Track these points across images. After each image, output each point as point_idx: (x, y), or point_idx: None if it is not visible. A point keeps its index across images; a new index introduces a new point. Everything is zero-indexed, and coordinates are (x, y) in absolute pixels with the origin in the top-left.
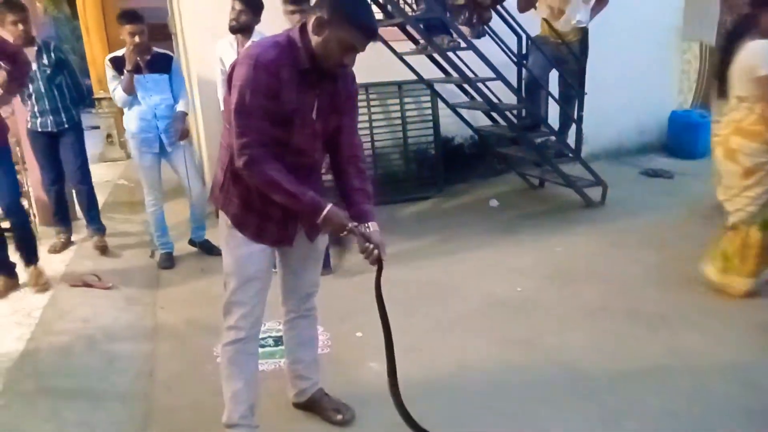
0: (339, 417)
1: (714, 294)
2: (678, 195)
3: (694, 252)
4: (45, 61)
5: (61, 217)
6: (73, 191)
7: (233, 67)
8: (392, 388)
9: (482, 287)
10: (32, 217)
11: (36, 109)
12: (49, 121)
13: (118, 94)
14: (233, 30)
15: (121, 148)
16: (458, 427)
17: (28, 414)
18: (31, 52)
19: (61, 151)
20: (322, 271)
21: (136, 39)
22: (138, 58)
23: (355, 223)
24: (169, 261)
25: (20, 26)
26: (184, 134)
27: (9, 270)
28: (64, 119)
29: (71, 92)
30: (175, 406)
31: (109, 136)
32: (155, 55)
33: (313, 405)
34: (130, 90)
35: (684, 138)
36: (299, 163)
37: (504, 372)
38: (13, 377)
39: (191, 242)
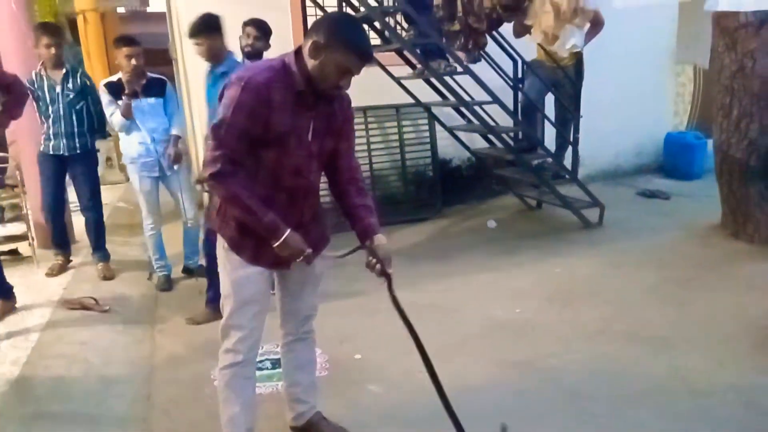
0: None
1: (715, 316)
2: (675, 216)
3: (692, 272)
4: (70, 85)
5: (60, 240)
6: (83, 217)
7: (224, 89)
8: (438, 390)
9: (481, 309)
10: (30, 241)
11: (51, 131)
12: (62, 145)
13: (116, 119)
14: (249, 56)
15: (120, 171)
16: None
17: None
18: (58, 75)
19: (73, 177)
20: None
21: (133, 62)
22: (136, 85)
23: (310, 250)
24: (167, 283)
25: (53, 50)
26: (178, 158)
27: (5, 293)
28: (78, 145)
29: (90, 119)
30: (172, 430)
31: (108, 159)
32: (150, 79)
33: (311, 429)
34: (128, 114)
35: (680, 159)
36: (296, 185)
37: (504, 395)
38: (9, 401)
39: (185, 270)
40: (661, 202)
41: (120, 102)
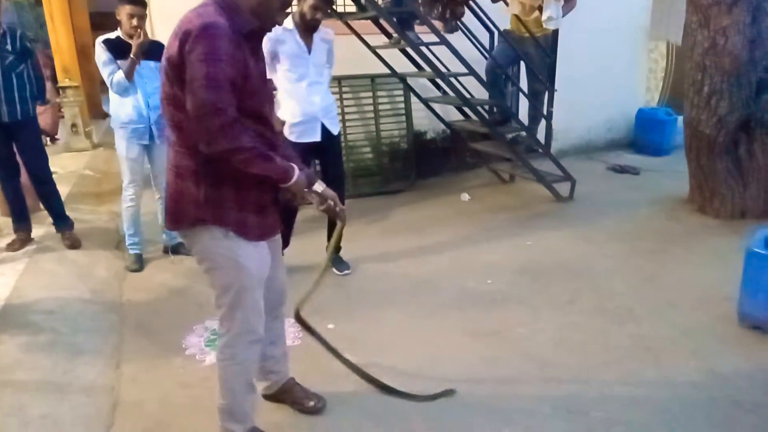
0: (311, 404)
1: (680, 288)
2: (644, 190)
3: (659, 245)
4: (8, 47)
5: (19, 214)
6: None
7: (182, 44)
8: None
9: (454, 280)
10: None
11: None
12: (2, 112)
13: (117, 79)
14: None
15: (86, 137)
16: (429, 418)
17: None
18: None
19: (18, 148)
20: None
21: (134, 22)
22: (143, 44)
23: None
24: (138, 263)
25: None
26: None
27: None
28: (19, 111)
29: (31, 84)
30: (142, 399)
31: (73, 125)
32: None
33: (284, 395)
34: (131, 76)
35: (650, 135)
36: (265, 125)
37: (475, 363)
38: None
39: (166, 250)
40: (631, 177)
41: (120, 62)
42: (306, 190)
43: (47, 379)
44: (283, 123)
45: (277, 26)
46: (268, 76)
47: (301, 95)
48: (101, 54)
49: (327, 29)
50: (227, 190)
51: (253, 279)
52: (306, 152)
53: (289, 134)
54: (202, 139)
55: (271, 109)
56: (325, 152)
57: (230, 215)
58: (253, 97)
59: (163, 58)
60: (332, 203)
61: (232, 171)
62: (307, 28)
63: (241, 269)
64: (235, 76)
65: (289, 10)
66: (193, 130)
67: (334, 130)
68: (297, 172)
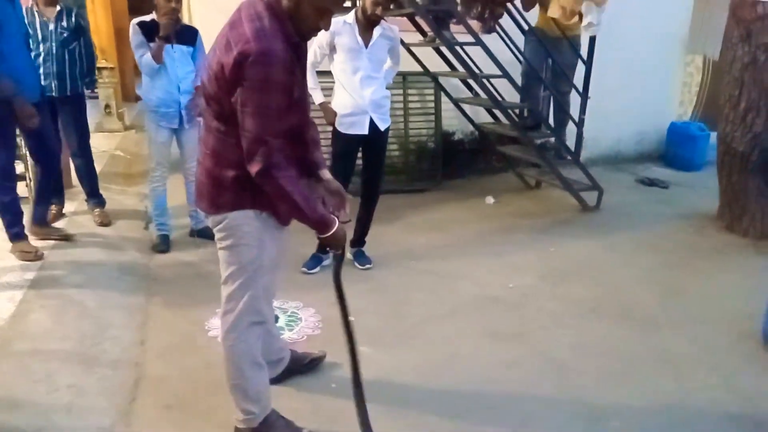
0: (316, 354)
1: (704, 303)
2: (672, 204)
3: (684, 260)
4: (64, 23)
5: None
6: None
7: (239, 63)
8: (356, 389)
9: (475, 282)
10: (27, 182)
11: (42, 70)
12: (52, 85)
13: (147, 61)
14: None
15: (119, 119)
16: (446, 416)
17: (21, 374)
18: (51, 12)
19: (62, 121)
20: None
21: (172, 4)
22: (171, 26)
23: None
24: (164, 244)
25: None
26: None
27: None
28: (68, 87)
29: (82, 62)
30: (165, 375)
31: (107, 106)
32: (182, 26)
33: (292, 365)
34: (159, 58)
35: (681, 149)
36: (302, 136)
37: (493, 365)
38: (5, 337)
39: (192, 233)
40: (660, 191)
41: (152, 44)
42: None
43: (75, 351)
44: (335, 114)
45: (336, 19)
46: (329, 67)
47: (353, 88)
48: (134, 36)
49: (391, 26)
50: None
51: (271, 261)
52: (353, 144)
53: (339, 125)
54: (245, 157)
55: (308, 123)
56: (370, 146)
57: (267, 200)
58: (297, 111)
59: (215, 61)
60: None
61: None
62: (368, 23)
63: (264, 249)
64: (285, 103)
65: (348, 4)
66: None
67: (382, 125)
68: (335, 226)
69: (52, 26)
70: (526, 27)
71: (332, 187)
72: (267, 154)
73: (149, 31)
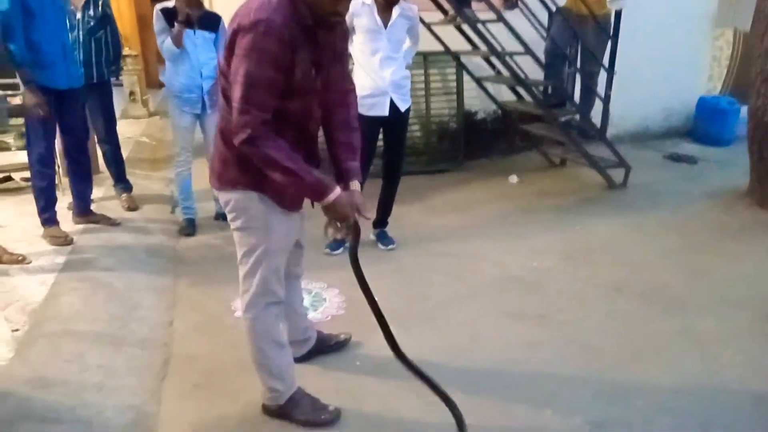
0: (342, 336)
1: (731, 283)
2: (701, 182)
3: (712, 239)
4: (91, 12)
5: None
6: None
7: (235, 33)
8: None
9: (497, 262)
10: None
11: None
12: (78, 74)
13: (167, 46)
14: None
15: (143, 105)
16: (467, 396)
17: (53, 354)
18: (79, 1)
19: (89, 107)
20: None
21: None
22: (189, 11)
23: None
24: (190, 228)
25: None
26: None
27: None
28: (95, 74)
29: (108, 50)
30: (193, 355)
31: (131, 93)
32: (205, 12)
33: (318, 345)
34: (179, 43)
35: (711, 124)
36: (310, 126)
37: (515, 345)
38: (37, 318)
39: (217, 216)
40: (688, 167)
41: (173, 30)
42: (351, 219)
43: (105, 332)
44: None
45: (355, 0)
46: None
47: (373, 69)
48: (157, 21)
49: (411, 5)
50: None
51: (280, 244)
52: (374, 126)
53: (359, 107)
54: (233, 129)
55: (314, 103)
56: (391, 127)
57: (269, 184)
58: (300, 96)
59: (228, 33)
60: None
61: None
62: (387, 3)
63: (270, 233)
64: (277, 78)
65: None
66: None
67: (402, 106)
68: (335, 193)
69: (79, 15)
70: (550, 3)
71: (354, 199)
72: (251, 125)
73: (172, 17)
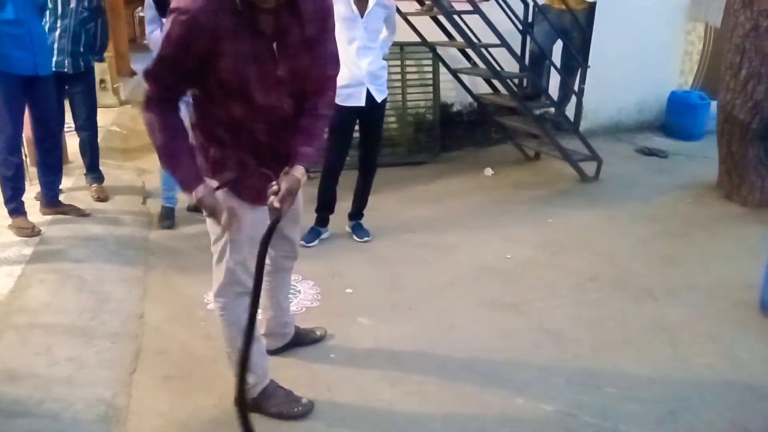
0: (318, 333)
1: (701, 272)
2: (671, 174)
3: (682, 229)
4: (85, 3)
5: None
6: (77, 138)
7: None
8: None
9: (473, 253)
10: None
11: (56, 45)
12: (66, 62)
13: (155, 37)
14: None
15: (114, 94)
16: (443, 386)
17: (21, 347)
18: None
19: (71, 96)
20: None
21: None
22: None
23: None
24: (170, 219)
25: None
26: None
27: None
28: (82, 64)
29: (96, 41)
30: (164, 348)
31: (102, 81)
32: None
33: (294, 342)
34: None
35: (682, 119)
36: (272, 117)
37: (490, 335)
38: (4, 311)
39: (190, 207)
40: (659, 161)
41: (164, 20)
42: (221, 212)
43: (74, 324)
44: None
45: None
46: None
47: (349, 59)
48: (148, 10)
49: None
50: (215, 147)
51: (243, 235)
52: (350, 116)
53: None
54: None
55: (278, 93)
56: (367, 118)
57: (226, 173)
58: (237, 76)
59: None
60: (275, 189)
61: (212, 130)
62: None
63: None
64: (184, 63)
65: None
66: None
67: (379, 97)
68: (197, 189)
69: (73, 4)
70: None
71: (289, 180)
72: (146, 92)
73: (163, 6)
